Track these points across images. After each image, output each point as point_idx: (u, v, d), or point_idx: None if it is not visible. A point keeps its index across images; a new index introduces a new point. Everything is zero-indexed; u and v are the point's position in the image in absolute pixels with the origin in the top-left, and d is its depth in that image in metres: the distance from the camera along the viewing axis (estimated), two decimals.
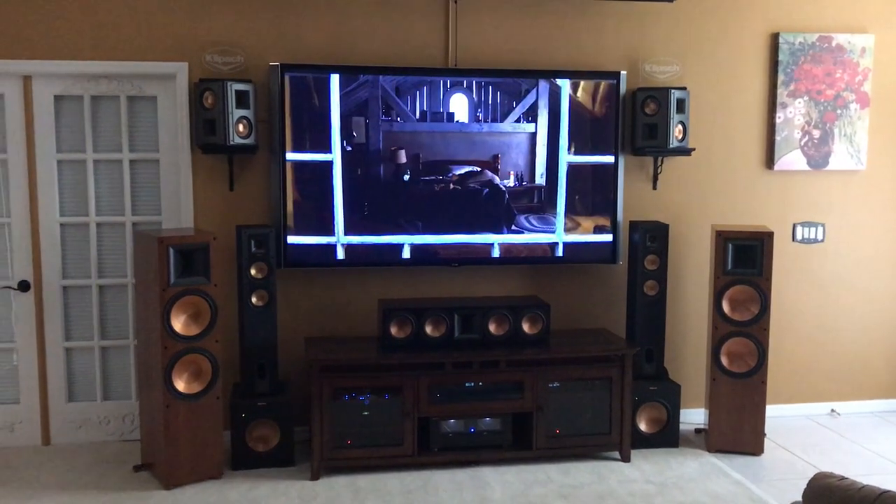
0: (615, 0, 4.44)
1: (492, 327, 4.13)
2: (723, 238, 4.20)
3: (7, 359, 4.27)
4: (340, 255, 4.25)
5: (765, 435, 4.30)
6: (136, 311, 4.21)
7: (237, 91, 4.01)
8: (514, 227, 4.38)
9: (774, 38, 4.65)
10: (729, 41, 4.63)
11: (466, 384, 4.01)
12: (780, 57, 4.64)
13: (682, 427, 4.42)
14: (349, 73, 4.17)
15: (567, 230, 4.43)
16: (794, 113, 4.69)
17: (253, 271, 4.00)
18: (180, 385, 3.72)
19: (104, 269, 4.31)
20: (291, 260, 4.20)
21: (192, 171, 4.22)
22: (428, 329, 4.09)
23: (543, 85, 4.34)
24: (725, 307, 4.21)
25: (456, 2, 4.33)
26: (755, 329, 4.19)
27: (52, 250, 4.22)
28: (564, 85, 4.35)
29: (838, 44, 4.69)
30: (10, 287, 4.21)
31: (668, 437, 4.34)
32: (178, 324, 3.70)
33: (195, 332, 3.73)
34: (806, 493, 2.38)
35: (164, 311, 3.64)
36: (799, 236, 4.82)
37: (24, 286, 4.21)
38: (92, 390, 4.36)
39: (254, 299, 4.02)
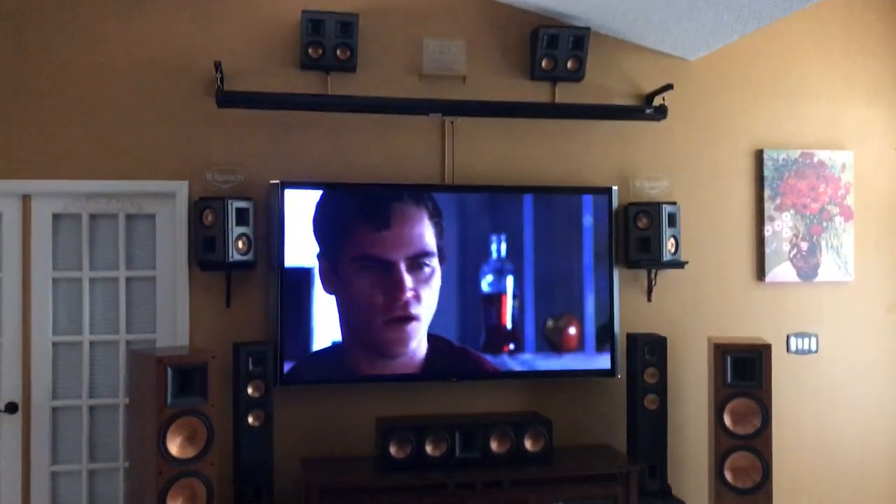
0: (604, 119, 4.61)
1: (493, 445, 4.05)
2: (721, 351, 4.21)
3: None
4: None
5: None
6: (127, 433, 4.09)
7: (237, 209, 4.05)
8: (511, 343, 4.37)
9: (759, 154, 4.81)
10: (715, 157, 4.79)
11: None
12: (766, 172, 4.79)
13: None
14: (347, 190, 4.23)
15: None
16: (781, 226, 4.80)
17: (250, 390, 3.93)
18: None
19: (96, 389, 4.21)
20: (289, 377, 4.13)
21: (189, 287, 4.20)
22: (428, 448, 4.00)
23: None
24: (727, 421, 4.17)
25: (452, 123, 4.46)
26: (758, 443, 4.15)
27: (43, 370, 4.13)
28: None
29: (820, 160, 4.86)
30: None
31: None
32: (174, 446, 3.59)
33: (191, 455, 3.62)
34: None
35: (160, 434, 3.54)
36: (793, 347, 4.85)
37: (11, 408, 4.09)
38: None
39: (250, 419, 3.93)
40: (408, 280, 4.15)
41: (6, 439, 4.11)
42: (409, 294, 4.16)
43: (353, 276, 4.15)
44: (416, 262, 4.19)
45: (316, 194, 4.17)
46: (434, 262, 4.21)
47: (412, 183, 4.37)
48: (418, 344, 4.20)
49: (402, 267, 4.16)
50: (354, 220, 4.19)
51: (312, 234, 4.15)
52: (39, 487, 4.12)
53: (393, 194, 4.23)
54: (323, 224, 4.17)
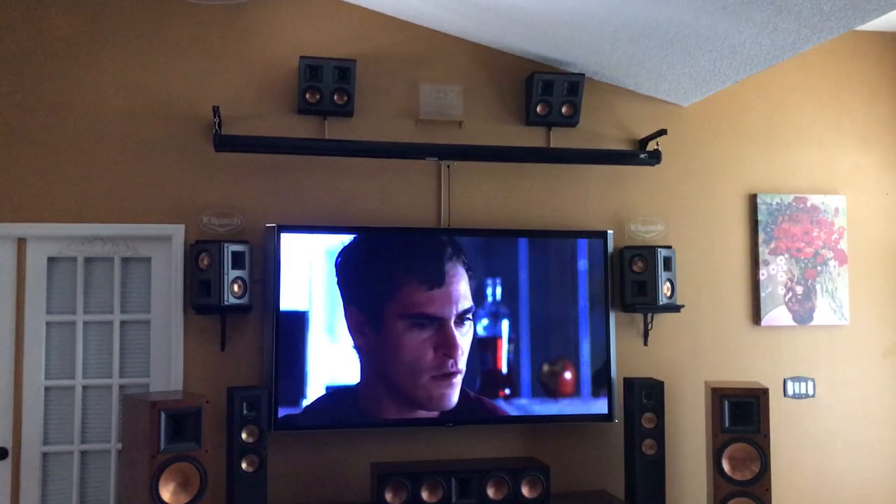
0: (599, 164, 4.64)
1: (490, 491, 4.00)
2: (718, 395, 4.18)
3: None
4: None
5: None
6: (119, 479, 4.03)
7: (233, 252, 4.05)
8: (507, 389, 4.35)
9: (753, 198, 4.85)
10: (710, 201, 4.82)
11: None
12: (760, 216, 4.82)
13: None
14: (343, 233, 4.23)
15: None
16: (776, 270, 4.82)
17: (244, 435, 3.88)
18: None
19: (88, 434, 4.16)
20: (283, 422, 4.09)
21: (184, 331, 4.17)
22: (424, 495, 3.95)
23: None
24: (726, 466, 4.14)
25: (448, 167, 4.48)
26: (757, 489, 4.11)
27: (35, 415, 4.08)
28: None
29: (813, 204, 4.89)
30: None
31: None
32: (167, 493, 3.53)
33: (184, 501, 3.55)
34: None
35: (152, 480, 3.49)
36: (790, 391, 4.83)
37: (1, 454, 4.03)
38: None
39: (244, 465, 3.87)
40: (458, 337, 4.18)
41: None
42: (459, 351, 4.20)
43: (399, 332, 4.16)
44: (461, 319, 4.23)
45: (311, 238, 4.18)
46: (471, 316, 4.25)
47: (409, 226, 4.38)
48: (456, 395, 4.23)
49: (452, 324, 4.19)
50: (401, 274, 4.21)
51: (336, 280, 4.16)
52: None
53: (436, 246, 4.28)
54: (354, 272, 4.19)
